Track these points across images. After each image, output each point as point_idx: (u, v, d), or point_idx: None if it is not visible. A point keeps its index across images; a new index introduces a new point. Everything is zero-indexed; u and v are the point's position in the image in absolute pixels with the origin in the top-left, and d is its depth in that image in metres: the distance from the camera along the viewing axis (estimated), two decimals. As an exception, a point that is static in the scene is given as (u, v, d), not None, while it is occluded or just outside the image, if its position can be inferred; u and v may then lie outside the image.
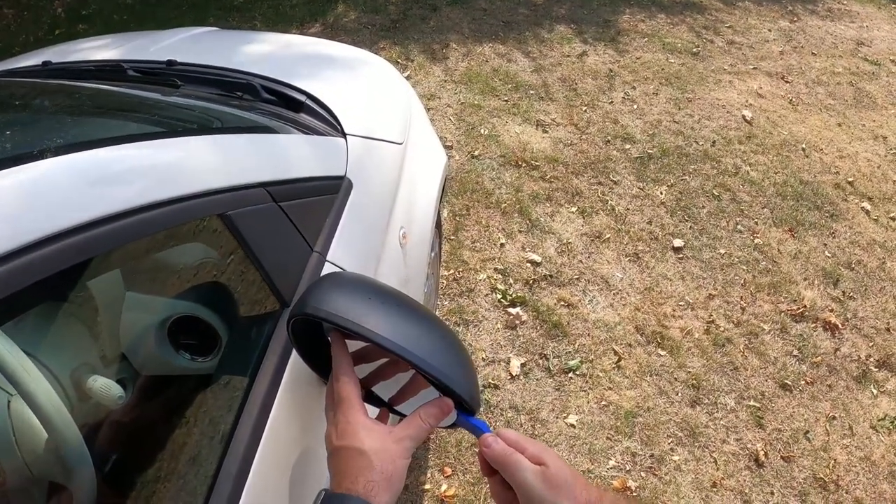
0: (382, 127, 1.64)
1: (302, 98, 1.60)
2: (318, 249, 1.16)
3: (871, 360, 2.89)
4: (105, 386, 0.98)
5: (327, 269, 1.16)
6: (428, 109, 3.84)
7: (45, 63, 1.84)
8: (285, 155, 1.22)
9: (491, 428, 0.82)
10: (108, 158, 0.83)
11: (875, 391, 2.76)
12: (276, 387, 0.98)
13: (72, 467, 0.90)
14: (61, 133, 1.03)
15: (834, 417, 2.62)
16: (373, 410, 0.89)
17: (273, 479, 0.95)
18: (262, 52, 2.06)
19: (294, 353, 1.02)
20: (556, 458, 0.77)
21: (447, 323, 2.57)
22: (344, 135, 1.48)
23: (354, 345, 0.88)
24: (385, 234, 1.46)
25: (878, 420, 2.64)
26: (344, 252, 1.22)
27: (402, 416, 0.87)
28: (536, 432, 2.37)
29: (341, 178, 1.34)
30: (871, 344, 2.97)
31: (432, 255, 2.01)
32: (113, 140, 0.92)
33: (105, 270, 0.99)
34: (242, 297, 1.12)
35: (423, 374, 0.81)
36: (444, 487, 2.16)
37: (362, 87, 1.88)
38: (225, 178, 0.98)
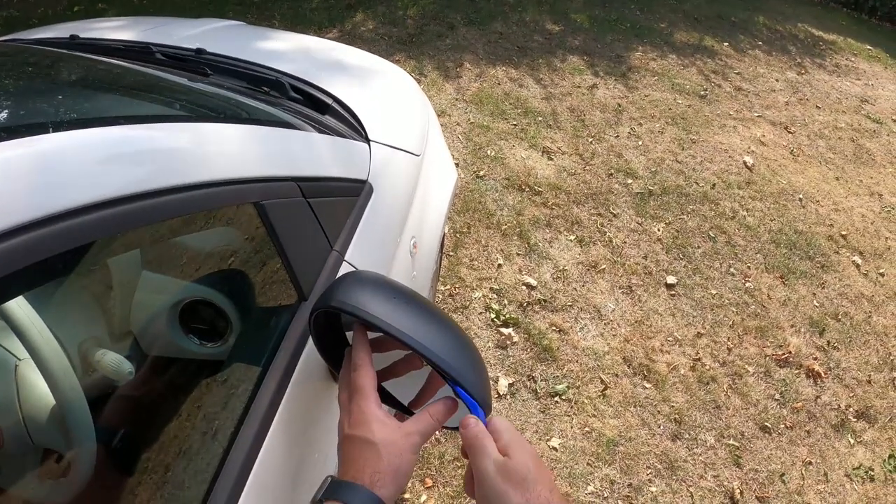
0: (403, 137, 1.67)
1: (328, 100, 1.63)
2: (337, 248, 1.19)
3: (851, 410, 2.94)
4: (115, 361, 0.98)
5: (344, 268, 1.18)
6: (437, 125, 3.88)
7: (73, 37, 1.84)
8: (315, 153, 1.25)
9: (486, 418, 0.83)
10: (144, 137, 0.84)
11: (852, 441, 2.80)
12: (287, 378, 1.00)
13: (74, 437, 0.90)
14: (88, 107, 1.03)
15: (810, 463, 2.66)
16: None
17: (279, 467, 0.96)
18: (289, 50, 2.08)
19: (307, 347, 1.04)
20: (524, 454, 0.75)
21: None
22: (368, 140, 1.51)
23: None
24: (398, 241, 1.49)
25: (853, 469, 2.68)
26: (360, 254, 1.25)
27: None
28: (519, 451, 2.38)
29: (363, 182, 1.37)
30: (851, 394, 3.01)
31: (434, 268, 2.04)
32: (145, 119, 0.94)
33: (126, 248, 1.00)
34: (261, 287, 1.14)
35: (439, 373, 0.84)
36: (423, 498, 2.18)
37: (386, 96, 1.91)
38: (261, 168, 1.01)
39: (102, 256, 0.96)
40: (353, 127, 1.55)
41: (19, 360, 0.98)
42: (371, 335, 0.89)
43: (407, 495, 2.18)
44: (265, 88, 1.63)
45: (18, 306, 0.86)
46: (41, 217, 0.62)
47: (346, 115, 1.59)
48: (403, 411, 0.97)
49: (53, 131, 0.71)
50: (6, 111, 0.80)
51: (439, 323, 0.90)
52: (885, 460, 2.75)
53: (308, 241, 1.11)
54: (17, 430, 0.95)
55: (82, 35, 1.88)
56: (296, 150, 1.18)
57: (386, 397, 0.97)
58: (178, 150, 0.87)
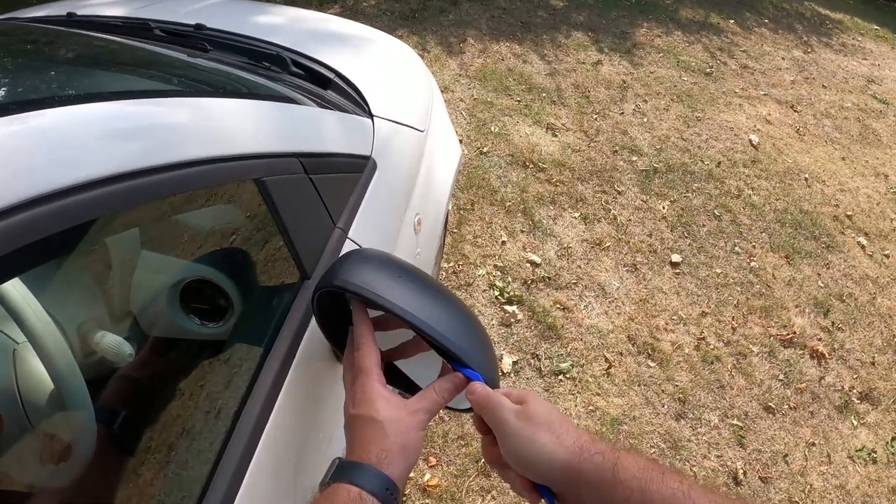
0: (407, 112, 1.64)
1: (330, 75, 1.60)
2: (340, 226, 1.16)
3: (854, 391, 2.93)
4: (114, 342, 0.97)
5: (348, 245, 1.16)
6: (440, 101, 3.85)
7: (70, 14, 1.82)
8: (317, 128, 1.22)
9: None
10: (141, 113, 0.82)
11: (855, 422, 2.79)
12: (291, 358, 0.98)
13: (74, 420, 0.89)
14: (86, 83, 1.01)
15: (813, 444, 2.65)
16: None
17: (283, 448, 0.95)
18: (290, 25, 2.05)
19: (310, 326, 1.02)
20: (539, 400, 0.75)
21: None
22: (371, 115, 1.48)
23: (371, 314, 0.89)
24: (402, 218, 1.46)
25: (856, 451, 2.67)
26: (364, 231, 1.23)
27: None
28: (522, 431, 2.38)
29: (367, 157, 1.34)
30: (855, 376, 3.00)
31: (438, 245, 2.02)
32: (145, 94, 0.91)
33: (125, 227, 0.98)
34: (262, 266, 1.12)
35: (445, 352, 0.82)
36: (427, 477, 2.17)
37: (389, 71, 1.88)
38: (262, 144, 0.98)
39: (101, 236, 0.94)
40: (355, 102, 1.52)
41: (17, 343, 0.97)
42: (374, 313, 0.87)
43: (411, 474, 2.17)
44: (266, 64, 1.60)
45: (15, 289, 0.84)
46: (37, 195, 0.60)
47: (348, 89, 1.56)
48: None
49: (49, 108, 0.68)
50: (2, 89, 0.78)
51: (446, 302, 0.88)
52: (887, 442, 2.74)
53: (310, 219, 1.08)
54: (16, 414, 0.94)
55: (79, 13, 1.85)
56: (298, 126, 1.15)
57: (398, 378, 0.95)
58: (177, 126, 0.84)
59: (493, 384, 0.84)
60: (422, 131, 1.69)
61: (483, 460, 2.20)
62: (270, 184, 0.96)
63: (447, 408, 0.88)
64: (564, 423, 0.72)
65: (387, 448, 0.74)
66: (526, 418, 0.72)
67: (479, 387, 0.78)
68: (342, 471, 0.73)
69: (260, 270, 1.13)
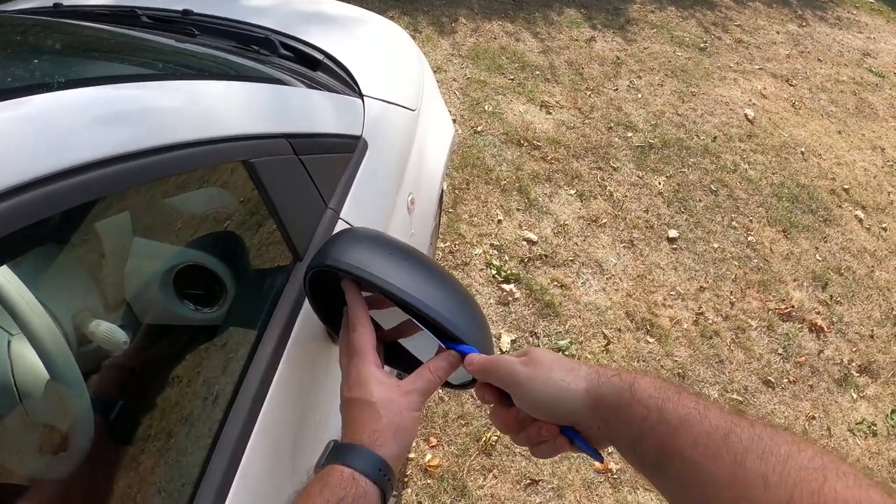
0: (398, 92, 1.63)
1: (319, 56, 1.59)
2: (332, 206, 1.15)
3: (854, 364, 2.93)
4: (109, 330, 0.97)
5: (340, 226, 1.15)
6: (434, 82, 3.83)
7: (56, 5, 1.81)
8: (306, 108, 1.21)
9: None
10: (126, 97, 0.80)
11: (855, 395, 2.79)
12: (284, 341, 0.98)
13: (71, 411, 0.89)
14: (73, 70, 1.00)
15: (813, 417, 2.66)
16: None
17: (279, 431, 0.94)
18: (279, 7, 2.03)
19: (304, 307, 1.02)
20: (541, 349, 0.75)
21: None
22: (361, 95, 1.47)
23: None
24: (395, 197, 1.45)
25: (856, 424, 2.68)
26: (356, 211, 1.22)
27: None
28: (522, 410, 2.38)
29: (357, 137, 1.33)
30: (854, 349, 3.01)
31: (433, 225, 2.01)
32: (131, 78, 0.90)
33: (115, 212, 0.97)
34: (254, 248, 1.11)
35: (438, 329, 0.81)
36: (428, 457, 2.17)
37: (379, 51, 1.86)
38: (249, 125, 0.97)
39: (90, 223, 0.93)
40: (345, 82, 1.51)
41: (12, 335, 0.96)
42: (368, 293, 0.86)
43: (412, 455, 2.18)
44: (255, 47, 1.59)
45: (7, 280, 0.83)
46: (22, 182, 0.59)
47: (338, 70, 1.55)
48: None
49: (34, 94, 0.67)
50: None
51: (439, 280, 0.87)
52: (887, 415, 2.75)
53: (301, 200, 1.07)
54: (13, 406, 0.93)
55: (66, 2, 1.83)
56: (286, 107, 1.14)
57: (402, 357, 0.95)
58: (160, 110, 0.83)
59: None
60: (413, 110, 1.67)
61: (482, 440, 2.20)
62: (259, 165, 0.94)
63: (447, 385, 0.87)
64: (572, 361, 0.72)
65: (380, 429, 0.74)
66: (535, 364, 0.72)
67: (476, 356, 0.79)
68: (336, 453, 0.73)
69: (252, 253, 1.12)
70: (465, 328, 0.81)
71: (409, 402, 0.78)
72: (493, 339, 2.53)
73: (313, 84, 1.40)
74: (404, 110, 1.62)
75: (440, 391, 2.29)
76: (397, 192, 1.47)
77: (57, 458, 0.89)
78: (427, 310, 0.80)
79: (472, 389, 0.84)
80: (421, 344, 0.92)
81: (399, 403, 0.77)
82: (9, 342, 0.96)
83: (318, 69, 1.55)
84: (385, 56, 1.85)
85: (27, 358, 0.94)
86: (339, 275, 0.86)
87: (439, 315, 0.80)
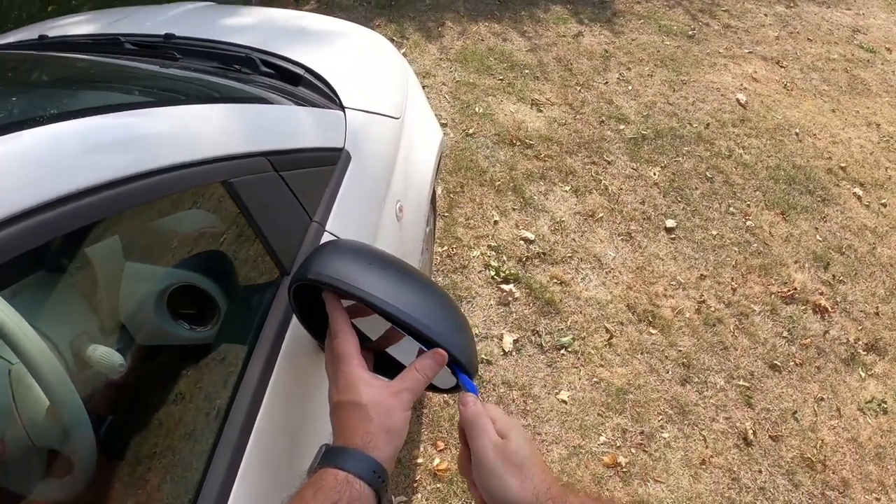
0: (380, 101, 1.64)
1: (300, 71, 1.60)
2: (317, 219, 1.17)
3: (860, 343, 2.92)
4: (106, 354, 0.98)
5: (326, 238, 1.17)
6: (423, 87, 3.83)
7: (42, 37, 1.83)
8: (285, 125, 1.23)
9: (473, 380, 0.84)
10: (107, 126, 0.82)
11: (863, 374, 2.79)
12: (275, 355, 0.99)
13: (72, 435, 0.89)
14: (58, 102, 1.03)
15: (822, 399, 2.65)
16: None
17: (273, 444, 0.96)
18: (259, 26, 2.05)
19: (293, 321, 1.03)
20: (521, 438, 0.77)
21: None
22: (342, 108, 1.48)
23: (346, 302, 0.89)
24: (382, 206, 1.46)
25: (866, 402, 2.68)
26: (342, 223, 1.23)
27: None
28: (528, 408, 2.39)
29: (340, 149, 1.34)
30: (860, 327, 3.00)
31: (427, 230, 2.02)
32: (112, 108, 0.92)
33: (104, 238, 0.99)
34: (242, 265, 1.12)
35: (420, 337, 0.82)
36: (436, 461, 2.18)
37: (359, 61, 1.88)
38: (227, 146, 0.98)
39: (76, 249, 0.95)
40: (326, 96, 1.52)
41: (12, 364, 0.98)
42: (349, 302, 0.87)
43: (420, 459, 2.19)
44: (236, 66, 1.60)
45: (2, 311, 0.85)
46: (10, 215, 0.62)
47: (319, 84, 1.56)
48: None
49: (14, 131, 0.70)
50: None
51: (418, 287, 0.88)
52: (897, 391, 2.74)
53: (284, 215, 1.09)
54: (17, 434, 0.95)
55: (51, 34, 1.86)
56: (265, 125, 1.16)
57: (391, 366, 0.96)
58: (137, 138, 0.85)
59: (471, 364, 0.84)
60: (397, 118, 1.69)
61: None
62: (238, 185, 0.96)
63: (432, 388, 0.88)
64: (535, 467, 0.75)
65: (372, 431, 0.75)
66: (503, 456, 0.75)
67: (471, 401, 0.80)
68: (329, 456, 0.74)
69: (240, 270, 1.14)
70: (444, 333, 0.82)
71: (398, 402, 0.79)
72: (494, 340, 2.55)
73: (294, 99, 1.42)
74: (388, 119, 1.63)
75: (443, 396, 2.30)
76: (384, 200, 1.48)
77: (63, 481, 0.90)
78: (405, 317, 0.81)
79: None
80: (408, 351, 0.93)
81: (389, 404, 0.78)
82: (9, 371, 0.98)
83: (300, 84, 1.56)
84: (366, 66, 1.87)
85: (29, 386, 0.95)
86: (321, 287, 0.87)
87: (417, 321, 0.81)
